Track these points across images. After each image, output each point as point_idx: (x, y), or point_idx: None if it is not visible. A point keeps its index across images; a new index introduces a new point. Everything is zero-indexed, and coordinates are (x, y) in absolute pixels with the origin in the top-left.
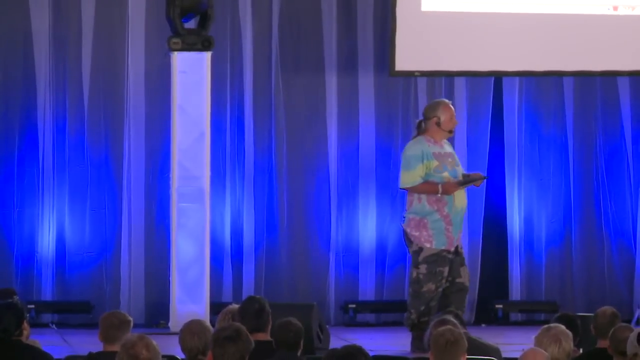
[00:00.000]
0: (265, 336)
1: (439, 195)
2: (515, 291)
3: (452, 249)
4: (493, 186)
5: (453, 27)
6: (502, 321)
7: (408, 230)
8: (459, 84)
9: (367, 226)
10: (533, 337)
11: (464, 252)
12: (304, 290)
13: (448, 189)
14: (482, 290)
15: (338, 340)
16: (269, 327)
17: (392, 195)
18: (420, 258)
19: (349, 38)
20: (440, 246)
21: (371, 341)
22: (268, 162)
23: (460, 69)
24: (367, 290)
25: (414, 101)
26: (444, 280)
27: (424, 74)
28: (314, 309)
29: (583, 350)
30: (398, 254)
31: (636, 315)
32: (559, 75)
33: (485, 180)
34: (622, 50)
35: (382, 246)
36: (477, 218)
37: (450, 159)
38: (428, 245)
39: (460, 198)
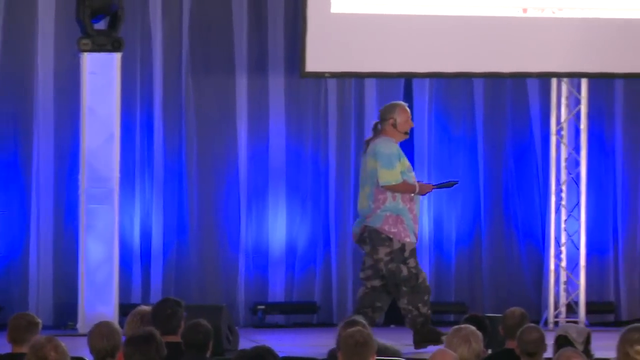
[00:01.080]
0: (175, 338)
1: (413, 195)
2: None
3: None
4: None
5: (363, 28)
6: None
7: (385, 228)
8: (369, 85)
9: (277, 227)
10: (443, 337)
11: None
12: (213, 292)
13: (423, 189)
14: None
15: (247, 341)
16: (181, 329)
17: (302, 197)
18: (407, 253)
19: (259, 39)
20: (414, 241)
21: (280, 342)
22: (178, 163)
23: (370, 70)
24: (277, 291)
25: (324, 102)
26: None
27: (334, 75)
28: (223, 311)
29: (492, 351)
30: (308, 256)
31: (544, 316)
32: (468, 76)
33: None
34: (531, 52)
35: (292, 247)
36: None
37: None
38: (408, 239)
39: (419, 199)
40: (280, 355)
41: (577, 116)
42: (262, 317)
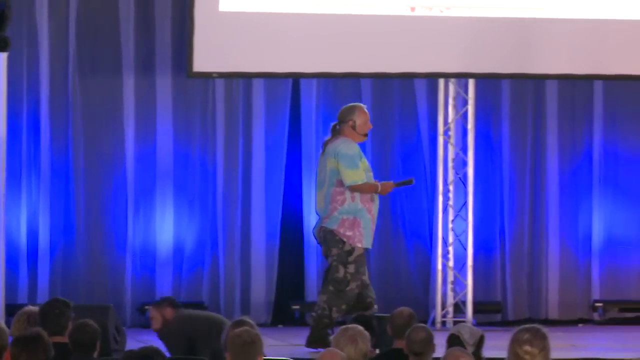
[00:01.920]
0: (63, 339)
1: (373, 195)
2: (312, 292)
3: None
4: (290, 188)
5: (251, 27)
6: (299, 322)
7: (341, 230)
8: (257, 85)
9: (164, 228)
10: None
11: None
12: (100, 292)
13: (385, 188)
14: (279, 291)
15: (134, 341)
16: (68, 329)
17: (190, 197)
18: (351, 258)
19: (146, 39)
20: (367, 245)
21: None
22: (65, 163)
23: (258, 70)
24: (164, 291)
25: (211, 103)
26: (360, 281)
27: (222, 75)
28: (111, 311)
29: (380, 351)
30: (196, 256)
31: (432, 316)
32: (356, 76)
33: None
34: (419, 52)
35: (180, 248)
36: (275, 219)
37: None
38: (359, 245)
39: (378, 200)
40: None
41: (465, 116)
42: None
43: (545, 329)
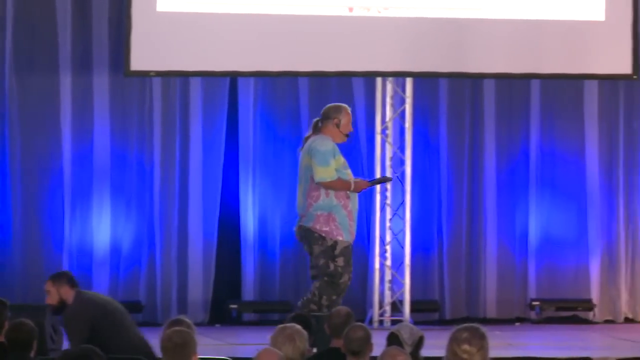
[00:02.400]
0: None
1: (349, 192)
2: (249, 291)
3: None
4: (228, 186)
5: (188, 27)
6: (236, 321)
7: (317, 227)
8: (195, 84)
9: (101, 227)
10: (268, 336)
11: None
12: (36, 291)
13: (358, 186)
14: (217, 290)
15: None
16: (4, 329)
17: (127, 197)
18: (337, 251)
19: (83, 38)
20: (348, 239)
21: None
22: (1, 162)
23: (195, 69)
24: (101, 291)
25: (149, 102)
26: (351, 274)
27: (159, 74)
28: (47, 310)
29: (317, 350)
30: (133, 255)
31: (369, 315)
32: (293, 75)
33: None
34: (357, 51)
35: (117, 247)
36: (212, 218)
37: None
38: (340, 238)
39: (356, 197)
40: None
41: (402, 115)
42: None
43: (483, 328)
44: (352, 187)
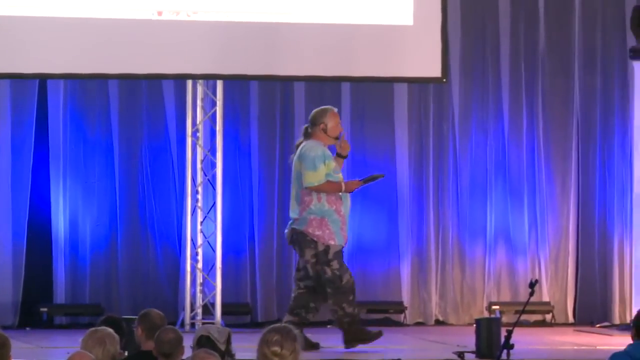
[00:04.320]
0: None
1: (340, 194)
2: (60, 294)
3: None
4: (37, 189)
5: None
6: (47, 324)
7: (309, 230)
8: (4, 86)
9: None
10: (79, 339)
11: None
12: None
13: (350, 186)
14: (27, 293)
15: None
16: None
17: None
18: (330, 255)
19: None
20: (341, 243)
21: None
22: None
23: (3, 71)
24: None
25: None
26: (350, 272)
27: None
28: None
29: (129, 353)
30: None
31: (181, 317)
32: (103, 77)
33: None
34: (167, 54)
35: None
36: (22, 220)
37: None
38: (332, 242)
39: (349, 200)
40: None
41: (213, 118)
42: None
43: (295, 330)
44: (343, 188)
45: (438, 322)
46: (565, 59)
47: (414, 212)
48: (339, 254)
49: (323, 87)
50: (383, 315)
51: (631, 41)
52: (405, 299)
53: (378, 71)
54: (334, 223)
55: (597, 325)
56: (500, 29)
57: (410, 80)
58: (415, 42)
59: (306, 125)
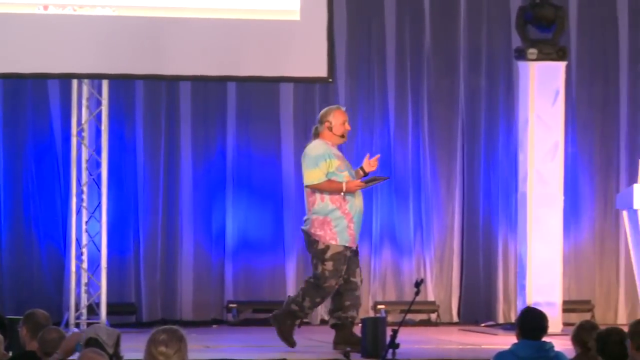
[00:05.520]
0: None
1: (342, 193)
2: None
3: (354, 247)
4: None
5: None
6: None
7: (312, 230)
8: None
9: None
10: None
11: None
12: None
13: (351, 186)
14: None
15: None
16: None
17: None
18: (327, 255)
19: None
20: (344, 243)
21: None
22: None
23: None
24: None
25: None
26: (341, 278)
27: None
28: None
29: (13, 353)
30: None
31: (65, 317)
32: None
33: (387, 179)
34: (52, 52)
35: None
36: None
37: (346, 161)
38: (334, 242)
39: (360, 198)
40: None
41: (98, 117)
42: None
43: (183, 330)
44: (344, 187)
45: (323, 322)
46: (451, 59)
47: (299, 210)
48: (339, 255)
49: (208, 86)
50: (268, 315)
51: (516, 41)
52: None
53: (264, 70)
54: (338, 223)
55: (482, 325)
56: (386, 29)
57: (296, 80)
58: (302, 40)
59: (315, 125)
